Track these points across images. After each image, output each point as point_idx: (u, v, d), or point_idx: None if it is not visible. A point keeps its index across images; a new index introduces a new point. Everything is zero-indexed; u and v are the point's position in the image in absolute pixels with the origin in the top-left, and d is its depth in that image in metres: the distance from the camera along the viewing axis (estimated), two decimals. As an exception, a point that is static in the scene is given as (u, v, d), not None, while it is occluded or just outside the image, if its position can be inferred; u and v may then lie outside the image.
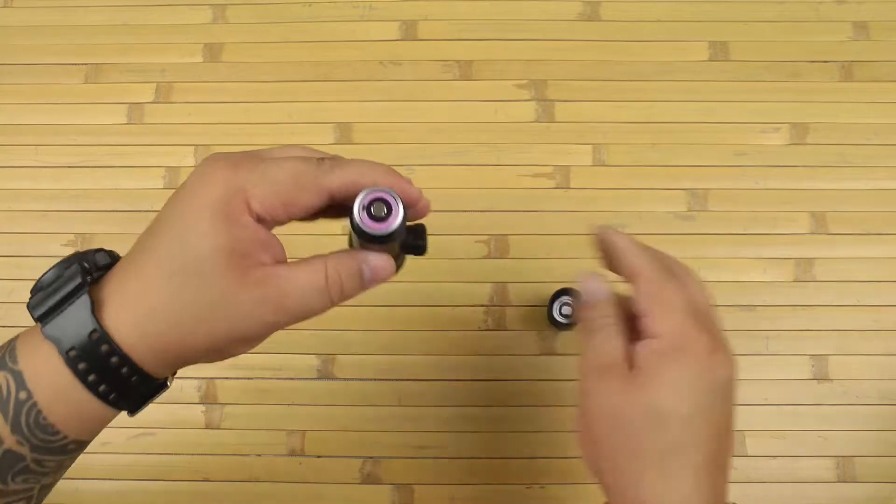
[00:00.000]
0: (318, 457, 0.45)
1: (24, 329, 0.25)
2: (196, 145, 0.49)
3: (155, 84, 0.50)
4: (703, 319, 0.29)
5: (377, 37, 0.51)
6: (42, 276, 0.26)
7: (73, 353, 0.24)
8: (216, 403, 0.45)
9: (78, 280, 0.25)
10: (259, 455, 0.45)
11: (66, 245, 0.48)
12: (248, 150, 0.29)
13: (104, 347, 0.24)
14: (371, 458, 0.44)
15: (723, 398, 0.28)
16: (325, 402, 0.45)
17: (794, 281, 0.47)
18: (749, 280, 0.47)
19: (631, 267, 0.30)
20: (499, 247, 0.47)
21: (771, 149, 0.49)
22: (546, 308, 0.42)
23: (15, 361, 0.25)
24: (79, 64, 0.51)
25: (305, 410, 0.45)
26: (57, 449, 0.25)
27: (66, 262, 0.26)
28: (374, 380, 0.45)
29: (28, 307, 0.25)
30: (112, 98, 0.50)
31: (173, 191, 0.26)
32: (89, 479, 0.44)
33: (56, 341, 0.24)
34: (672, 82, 0.50)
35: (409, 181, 0.28)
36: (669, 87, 0.50)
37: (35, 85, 0.51)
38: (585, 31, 0.51)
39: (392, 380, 0.45)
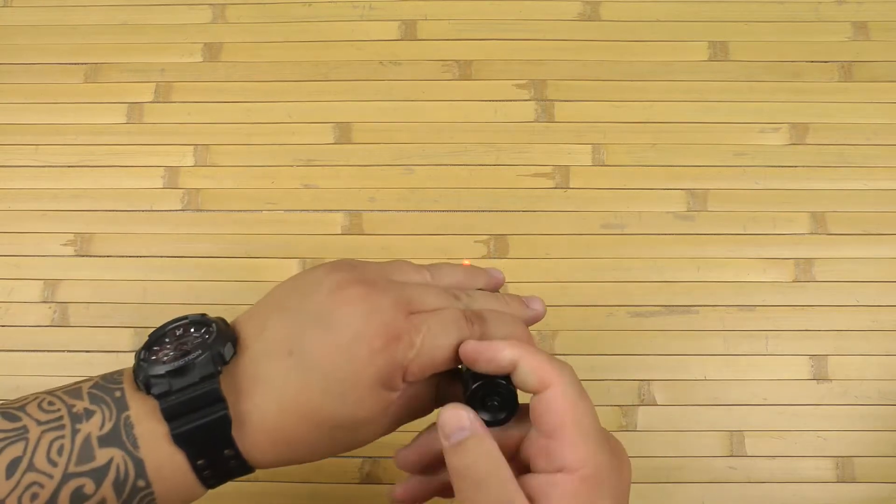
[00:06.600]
0: (318, 457, 0.45)
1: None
2: (196, 145, 0.49)
3: (154, 84, 0.50)
4: (602, 431, 0.26)
5: (376, 36, 0.51)
6: (159, 340, 0.27)
7: (201, 463, 0.25)
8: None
9: (216, 390, 0.25)
10: (258, 455, 0.45)
11: (65, 245, 0.48)
12: (367, 264, 0.30)
13: (233, 462, 0.26)
14: (370, 458, 0.44)
15: (626, 498, 0.26)
16: (325, 401, 0.45)
17: (794, 281, 0.47)
18: (749, 280, 0.47)
19: (543, 376, 0.25)
20: (498, 247, 0.47)
21: (771, 149, 0.49)
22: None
23: (136, 446, 0.25)
24: (78, 63, 0.51)
25: (305, 410, 0.45)
26: None
27: (198, 350, 0.25)
28: (374, 380, 0.45)
29: (146, 384, 0.25)
30: (111, 98, 0.50)
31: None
32: (89, 478, 0.44)
33: (185, 449, 0.25)
34: (672, 82, 0.50)
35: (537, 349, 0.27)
36: (669, 87, 0.50)
37: (34, 84, 0.51)
38: (585, 31, 0.51)
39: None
